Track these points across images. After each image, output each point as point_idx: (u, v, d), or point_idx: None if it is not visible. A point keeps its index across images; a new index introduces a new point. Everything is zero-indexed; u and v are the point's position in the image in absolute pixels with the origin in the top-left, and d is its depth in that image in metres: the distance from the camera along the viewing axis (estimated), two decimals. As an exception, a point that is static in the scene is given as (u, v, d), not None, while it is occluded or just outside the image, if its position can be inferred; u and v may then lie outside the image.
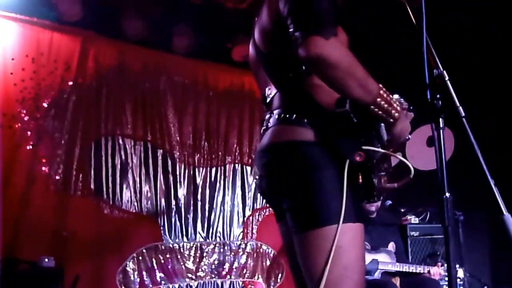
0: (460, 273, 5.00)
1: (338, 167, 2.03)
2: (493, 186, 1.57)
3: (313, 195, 2.04)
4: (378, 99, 1.97)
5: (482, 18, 5.29)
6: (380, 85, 1.99)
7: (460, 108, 1.77)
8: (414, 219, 5.90)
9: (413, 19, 2.01)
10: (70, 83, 5.64)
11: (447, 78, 1.86)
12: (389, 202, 5.51)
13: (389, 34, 5.93)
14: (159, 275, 5.86)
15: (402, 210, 5.65)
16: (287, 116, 2.15)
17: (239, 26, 6.14)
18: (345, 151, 2.04)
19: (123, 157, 5.92)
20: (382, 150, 2.08)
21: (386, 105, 2.00)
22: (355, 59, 1.93)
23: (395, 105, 2.04)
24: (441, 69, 1.89)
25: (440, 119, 1.79)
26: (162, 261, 5.94)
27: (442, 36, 5.59)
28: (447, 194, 1.68)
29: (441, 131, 1.79)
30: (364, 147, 2.03)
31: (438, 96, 1.84)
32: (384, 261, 5.08)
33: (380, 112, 2.00)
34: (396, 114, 2.05)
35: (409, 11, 2.04)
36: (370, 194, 2.04)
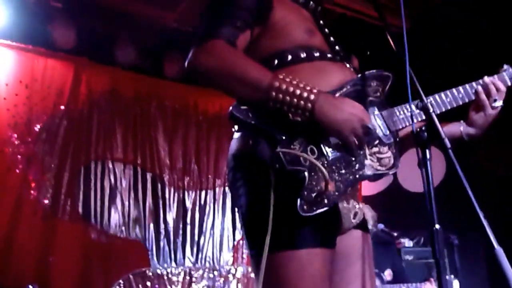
0: (456, 285, 4.93)
1: (267, 178, 1.77)
2: (482, 219, 1.57)
3: (244, 217, 1.90)
4: (273, 93, 1.74)
5: (473, 13, 5.35)
6: (280, 76, 1.77)
7: (446, 139, 1.77)
8: (408, 242, 5.74)
9: (393, 46, 1.97)
10: (62, 108, 5.69)
11: (431, 110, 1.86)
12: (381, 225, 5.48)
13: (372, 63, 6.00)
14: (146, 301, 5.81)
15: (395, 234, 5.58)
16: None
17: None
18: (262, 157, 1.80)
19: (112, 181, 5.93)
20: (296, 152, 1.75)
21: (288, 97, 1.74)
22: (235, 57, 1.84)
23: (305, 94, 1.74)
24: (425, 101, 1.88)
25: (427, 151, 1.79)
26: (150, 288, 5.90)
27: (433, 31, 5.68)
28: (437, 226, 1.66)
29: (428, 162, 1.79)
30: (279, 150, 1.74)
31: (423, 128, 1.83)
32: None
33: (285, 108, 1.76)
34: (309, 105, 1.74)
35: (389, 38, 2.00)
36: (299, 204, 1.71)
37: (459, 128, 2.19)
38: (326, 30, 2.19)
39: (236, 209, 2.00)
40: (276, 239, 1.73)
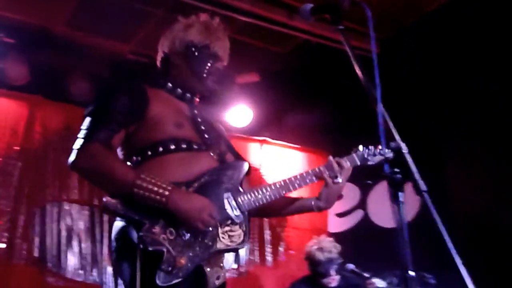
0: None
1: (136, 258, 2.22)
2: (460, 266, 1.49)
3: None
4: (135, 189, 2.19)
5: (449, 32, 5.33)
6: (142, 175, 2.22)
7: (421, 181, 1.70)
8: (380, 283, 5.53)
9: (365, 87, 1.93)
10: (17, 148, 5.49)
11: (405, 150, 1.78)
12: (351, 265, 5.36)
13: (345, 94, 5.93)
14: None
15: (366, 275, 5.39)
16: None
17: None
18: (132, 239, 2.25)
19: (68, 223, 5.70)
20: (153, 236, 2.19)
21: (147, 193, 2.19)
22: (105, 159, 2.28)
23: (160, 190, 2.20)
24: (399, 141, 1.81)
25: (400, 194, 1.71)
26: None
27: (404, 54, 5.61)
28: (411, 273, 1.59)
29: (401, 205, 1.71)
30: (141, 234, 2.19)
31: (397, 169, 1.76)
32: None
33: (145, 201, 2.21)
34: (163, 199, 2.20)
35: (361, 78, 1.95)
36: (158, 276, 2.15)
37: (311, 202, 2.72)
38: (199, 119, 2.65)
39: None
40: None
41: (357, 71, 1.99)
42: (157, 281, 2.13)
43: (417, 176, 1.71)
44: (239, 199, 2.44)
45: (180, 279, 2.18)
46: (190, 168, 2.41)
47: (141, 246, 2.16)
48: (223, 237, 2.34)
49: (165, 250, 2.17)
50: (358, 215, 6.97)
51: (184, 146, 2.44)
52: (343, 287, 5.26)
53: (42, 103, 5.72)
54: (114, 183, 2.26)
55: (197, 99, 2.76)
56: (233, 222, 2.39)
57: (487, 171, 5.11)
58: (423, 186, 1.69)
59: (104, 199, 2.27)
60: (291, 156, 7.33)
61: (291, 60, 6.32)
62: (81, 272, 5.65)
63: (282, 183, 2.58)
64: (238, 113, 6.86)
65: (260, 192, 2.51)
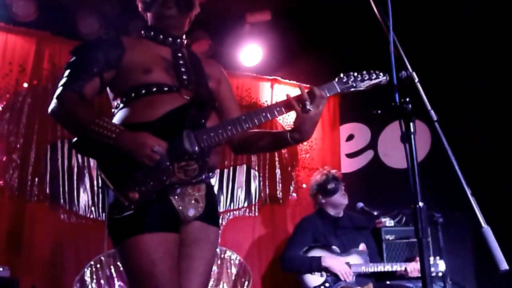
0: (442, 266, 4.87)
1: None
2: (470, 196, 1.46)
3: None
4: (90, 133, 2.43)
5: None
6: (96, 120, 2.43)
7: (432, 111, 1.65)
8: (389, 222, 5.60)
9: (378, 15, 1.90)
10: (25, 85, 5.47)
11: (416, 80, 1.74)
12: (361, 204, 5.39)
13: (357, 32, 5.85)
14: (118, 283, 5.65)
15: (375, 213, 5.45)
16: None
17: (198, 21, 5.99)
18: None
19: (80, 160, 5.73)
20: (103, 176, 2.44)
21: (98, 136, 2.41)
22: (72, 106, 2.53)
23: (108, 133, 2.41)
24: (410, 71, 1.77)
25: (411, 124, 1.68)
26: (122, 269, 5.72)
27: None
28: (421, 204, 1.56)
29: (412, 136, 1.68)
30: (100, 173, 2.45)
31: (408, 99, 1.72)
32: (356, 263, 4.99)
33: (98, 137, 2.42)
34: (111, 141, 2.41)
35: (374, 7, 1.92)
36: (112, 210, 2.41)
37: (287, 134, 2.68)
38: (181, 61, 2.75)
39: None
40: (119, 233, 2.44)
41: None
42: (112, 215, 2.40)
43: (428, 106, 1.67)
44: (199, 135, 2.50)
45: (131, 212, 2.37)
46: (157, 110, 2.53)
47: (101, 184, 2.50)
48: (178, 172, 2.45)
49: (115, 186, 2.40)
50: (368, 155, 6.99)
51: (154, 89, 2.58)
52: (351, 228, 5.29)
53: (50, 39, 5.67)
54: (76, 128, 2.55)
55: (184, 41, 2.87)
56: (190, 157, 2.47)
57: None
58: (434, 116, 1.64)
59: (74, 140, 2.56)
60: (302, 96, 7.24)
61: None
62: (93, 209, 5.70)
63: (246, 116, 2.59)
64: (249, 52, 6.77)
65: (222, 127, 2.55)
